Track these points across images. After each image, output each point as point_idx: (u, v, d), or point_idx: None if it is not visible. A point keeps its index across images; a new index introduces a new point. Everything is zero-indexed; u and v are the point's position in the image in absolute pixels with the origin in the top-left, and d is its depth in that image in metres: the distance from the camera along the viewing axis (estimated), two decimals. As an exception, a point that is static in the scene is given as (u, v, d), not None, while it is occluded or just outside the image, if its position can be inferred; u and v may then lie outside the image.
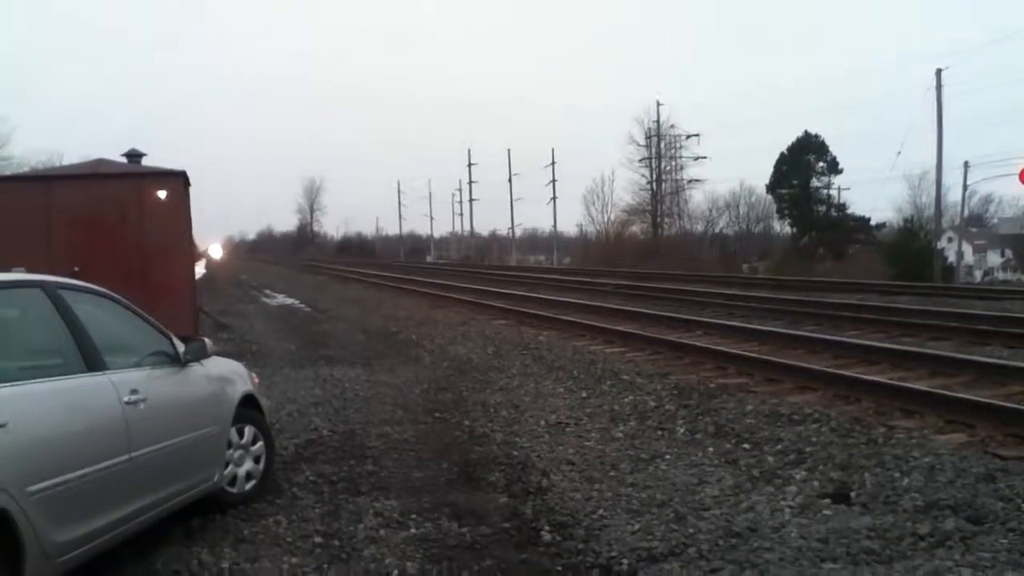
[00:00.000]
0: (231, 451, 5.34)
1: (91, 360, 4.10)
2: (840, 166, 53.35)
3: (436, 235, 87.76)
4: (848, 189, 54.40)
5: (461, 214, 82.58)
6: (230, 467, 5.34)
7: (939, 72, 34.19)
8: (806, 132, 53.66)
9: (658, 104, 55.72)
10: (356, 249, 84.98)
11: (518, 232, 73.33)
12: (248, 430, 5.54)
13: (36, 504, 3.38)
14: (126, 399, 4.18)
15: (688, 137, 55.32)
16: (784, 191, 54.36)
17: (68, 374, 3.96)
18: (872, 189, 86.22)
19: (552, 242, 68.49)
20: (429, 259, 75.83)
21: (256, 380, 6.01)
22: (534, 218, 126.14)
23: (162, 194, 12.19)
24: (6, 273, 4.05)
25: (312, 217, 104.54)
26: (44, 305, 4.06)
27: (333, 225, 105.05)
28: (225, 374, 5.50)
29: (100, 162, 13.59)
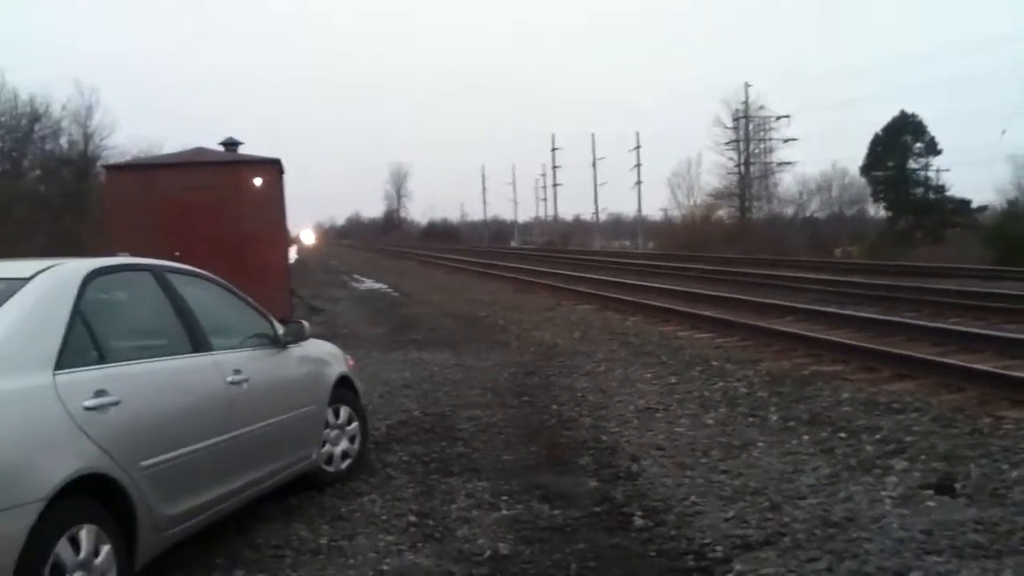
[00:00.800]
0: (327, 431, 5.49)
1: (197, 341, 4.27)
2: (939, 147, 51.10)
3: (520, 220, 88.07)
4: (947, 171, 51.88)
5: (544, 199, 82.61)
6: (326, 446, 5.50)
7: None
8: (902, 112, 51.50)
9: (746, 86, 54.41)
10: (441, 234, 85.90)
11: (602, 216, 72.92)
12: (344, 410, 5.68)
13: (148, 478, 3.55)
14: (229, 379, 4.34)
15: (778, 119, 53.88)
16: (879, 173, 52.36)
17: (176, 354, 4.13)
18: (973, 171, 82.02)
19: (636, 226, 67.82)
20: (513, 244, 76.04)
21: (351, 362, 6.15)
22: (618, 202, 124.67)
23: (257, 181, 12.57)
24: (118, 257, 4.24)
25: (399, 203, 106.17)
26: (153, 288, 4.25)
27: (419, 210, 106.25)
28: (322, 356, 5.66)
29: (199, 151, 14.10)
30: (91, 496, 3.24)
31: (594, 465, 5.93)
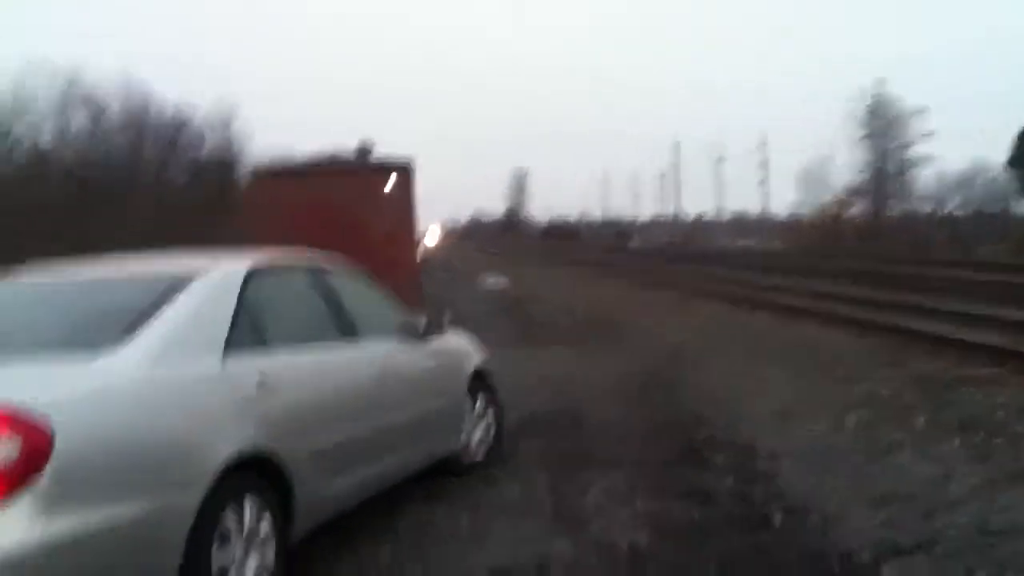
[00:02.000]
0: (465, 420, 5.64)
1: (348, 333, 4.49)
2: (1098, 137, 47.35)
3: (641, 220, 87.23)
4: (1106, 162, 48.13)
5: (664, 199, 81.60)
6: (464, 434, 5.63)
7: None
8: (1056, 100, 48.11)
9: (880, 80, 52.06)
10: (561, 234, 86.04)
11: (726, 215, 71.30)
12: (480, 401, 5.83)
13: (304, 459, 3.74)
14: (378, 368, 4.53)
15: (913, 114, 51.26)
16: (1027, 168, 49.03)
17: (328, 345, 4.35)
18: None
19: (761, 225, 65.97)
20: (632, 244, 75.43)
21: (487, 354, 6.29)
22: (743, 200, 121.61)
23: (390, 184, 12.97)
24: (274, 253, 4.50)
25: (520, 203, 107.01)
26: (308, 282, 4.50)
27: (539, 210, 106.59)
28: (459, 348, 5.83)
29: (334, 156, 14.66)
30: (254, 473, 3.45)
31: (730, 464, 5.82)
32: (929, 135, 51.23)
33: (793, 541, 4.37)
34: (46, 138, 26.06)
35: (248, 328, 3.75)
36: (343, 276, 4.91)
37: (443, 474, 5.45)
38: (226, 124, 32.35)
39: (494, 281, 28.24)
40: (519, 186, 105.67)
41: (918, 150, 52.40)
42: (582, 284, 23.68)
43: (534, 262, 40.65)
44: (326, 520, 4.09)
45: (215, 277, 3.83)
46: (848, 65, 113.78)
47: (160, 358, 3.26)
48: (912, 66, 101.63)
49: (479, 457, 5.74)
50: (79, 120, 26.52)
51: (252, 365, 3.62)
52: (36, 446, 2.60)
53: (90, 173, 24.87)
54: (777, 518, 4.69)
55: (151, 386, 3.16)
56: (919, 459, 5.63)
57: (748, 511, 4.86)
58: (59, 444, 2.63)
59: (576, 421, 7.19)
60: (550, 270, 33.34)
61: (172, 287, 3.64)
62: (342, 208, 12.44)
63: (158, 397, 3.16)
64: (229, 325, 3.61)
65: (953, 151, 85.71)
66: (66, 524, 2.62)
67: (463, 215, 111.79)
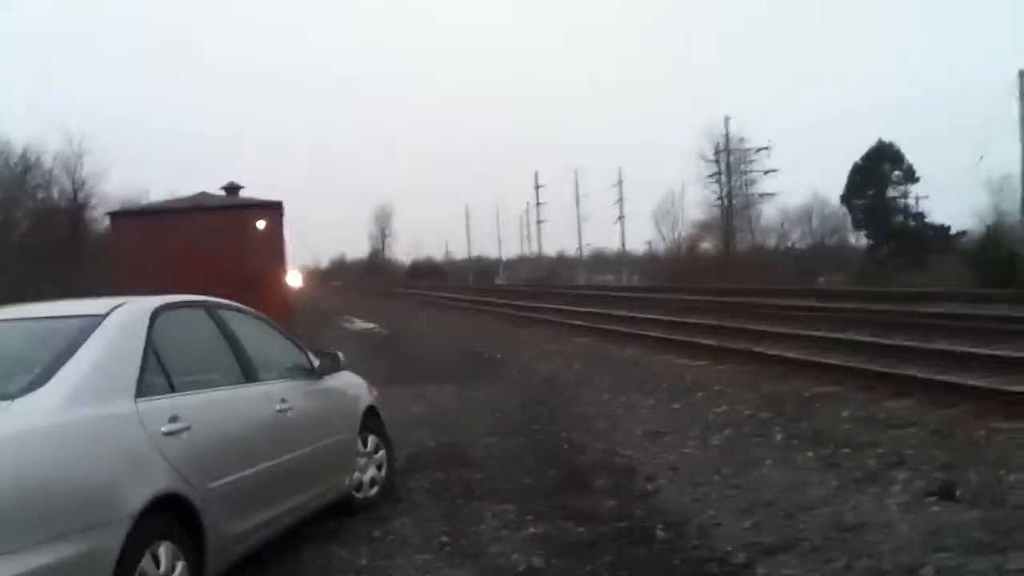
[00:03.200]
0: (358, 458, 5.74)
1: (248, 372, 4.56)
2: (917, 174, 52.17)
3: (504, 257, 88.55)
4: (926, 197, 52.98)
5: (528, 236, 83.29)
6: (356, 473, 5.73)
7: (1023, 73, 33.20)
8: (880, 141, 52.61)
9: (726, 119, 55.47)
10: (426, 273, 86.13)
11: (585, 252, 73.53)
12: (371, 439, 5.94)
13: (215, 499, 3.80)
14: (277, 408, 4.62)
15: (758, 151, 54.89)
16: (859, 202, 53.35)
17: (231, 384, 4.42)
18: (951, 196, 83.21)
19: (620, 260, 68.42)
20: (498, 281, 76.45)
21: (375, 393, 6.42)
22: (601, 237, 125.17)
23: (261, 224, 12.91)
24: (175, 296, 4.53)
25: (383, 243, 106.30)
26: (207, 322, 4.54)
27: (403, 250, 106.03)
28: (352, 386, 5.94)
29: (202, 195, 14.46)
30: (168, 515, 3.49)
31: (611, 485, 6.18)
32: (773, 172, 54.94)
33: (676, 550, 4.74)
34: None
35: (157, 369, 3.79)
36: (239, 315, 4.97)
37: (337, 514, 5.52)
38: (76, 164, 30.91)
39: (362, 322, 28.11)
40: (383, 225, 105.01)
41: (763, 186, 56.05)
42: (453, 322, 23.94)
43: (402, 302, 40.59)
44: (235, 561, 4.12)
45: (121, 319, 3.84)
46: (698, 103, 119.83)
47: (76, 400, 3.27)
48: (757, 104, 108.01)
49: (371, 495, 5.84)
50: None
51: (163, 406, 3.66)
52: None
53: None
54: (659, 531, 5.06)
55: (70, 428, 3.16)
56: (779, 470, 6.19)
57: (633, 527, 5.20)
58: None
59: (463, 455, 7.39)
60: (418, 309, 33.43)
61: (82, 329, 3.64)
62: (212, 247, 12.30)
63: (77, 439, 3.16)
64: (139, 366, 3.65)
65: (794, 186, 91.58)
66: None
67: (324, 257, 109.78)
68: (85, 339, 3.57)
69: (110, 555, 3.05)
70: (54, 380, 3.28)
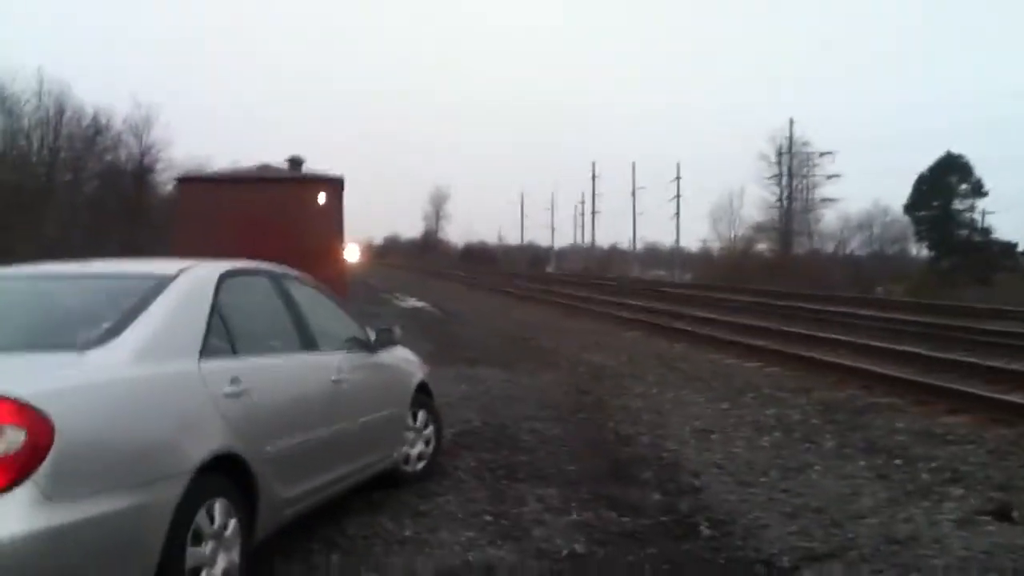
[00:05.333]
0: (407, 432, 5.81)
1: (307, 341, 4.65)
2: (985, 188, 50.70)
3: (557, 246, 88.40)
4: (993, 213, 51.48)
5: (583, 226, 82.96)
6: (405, 447, 5.80)
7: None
8: (948, 153, 51.26)
9: (791, 122, 54.55)
10: (479, 257, 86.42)
11: (639, 246, 73.04)
12: (422, 414, 6.00)
13: (269, 461, 3.88)
14: (333, 378, 4.69)
15: (821, 155, 53.89)
16: (923, 213, 52.03)
17: (290, 351, 4.50)
18: (1019, 213, 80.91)
19: (674, 256, 67.82)
20: (549, 269, 76.35)
21: (427, 369, 6.48)
22: (656, 232, 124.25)
23: (321, 197, 13.07)
24: (241, 262, 4.62)
25: (437, 224, 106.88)
26: (270, 290, 4.63)
27: (456, 232, 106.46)
28: (405, 362, 6.00)
29: (265, 167, 14.68)
30: (223, 475, 3.58)
31: (656, 479, 6.15)
32: (835, 177, 53.88)
33: (720, 549, 4.71)
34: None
35: (221, 332, 3.88)
36: (302, 285, 5.06)
37: (384, 486, 5.60)
38: (144, 129, 31.64)
39: (415, 300, 28.33)
40: (438, 205, 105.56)
41: (824, 191, 55.00)
42: (504, 307, 23.99)
43: (453, 283, 40.81)
44: (284, 524, 4.21)
45: (190, 282, 3.95)
46: (766, 105, 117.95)
47: (144, 356, 3.37)
48: (823, 110, 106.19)
49: (419, 469, 5.91)
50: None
51: (224, 367, 3.75)
52: (39, 437, 2.69)
53: (5, 177, 24.04)
54: (704, 528, 5.03)
55: (137, 383, 3.27)
56: (828, 477, 6.09)
57: (677, 522, 5.18)
58: (59, 436, 2.73)
59: (509, 437, 7.42)
60: (470, 292, 33.59)
61: (152, 288, 3.74)
62: (275, 216, 12.50)
63: (144, 394, 3.27)
64: (204, 328, 3.74)
65: (856, 194, 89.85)
66: (60, 515, 2.71)
67: (378, 234, 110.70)
68: (155, 298, 3.67)
69: (168, 508, 3.14)
70: (124, 335, 3.38)
